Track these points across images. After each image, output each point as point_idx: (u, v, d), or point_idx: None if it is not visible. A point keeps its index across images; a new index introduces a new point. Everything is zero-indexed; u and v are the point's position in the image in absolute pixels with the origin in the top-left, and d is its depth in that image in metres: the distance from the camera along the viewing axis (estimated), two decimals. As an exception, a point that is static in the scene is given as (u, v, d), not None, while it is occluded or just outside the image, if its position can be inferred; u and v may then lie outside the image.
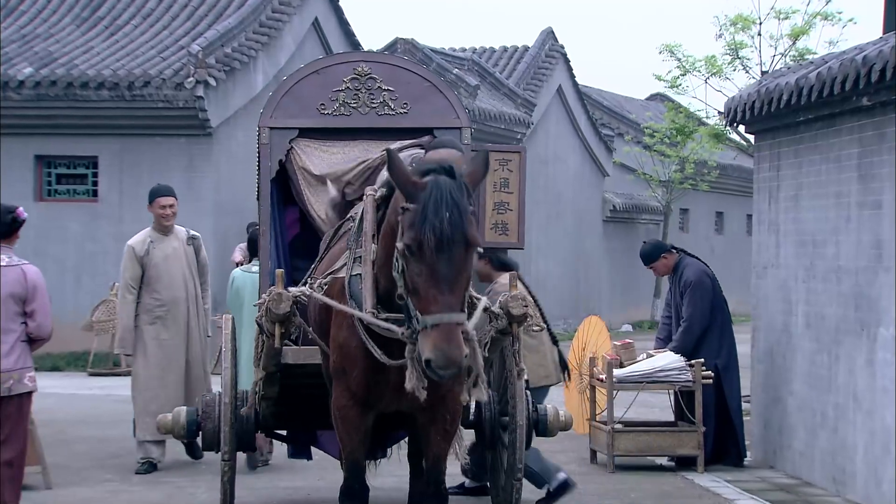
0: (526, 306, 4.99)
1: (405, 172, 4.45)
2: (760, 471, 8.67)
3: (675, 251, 9.09)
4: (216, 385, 6.92)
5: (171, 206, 8.54)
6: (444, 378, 4.32)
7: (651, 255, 9.08)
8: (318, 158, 6.38)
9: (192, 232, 8.75)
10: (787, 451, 8.58)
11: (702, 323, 8.68)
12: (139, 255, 8.39)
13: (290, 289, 5.19)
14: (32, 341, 6.16)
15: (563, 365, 7.20)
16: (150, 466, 8.22)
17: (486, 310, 4.89)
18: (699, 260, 9.07)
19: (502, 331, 5.05)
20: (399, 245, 4.39)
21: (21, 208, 6.27)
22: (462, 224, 4.30)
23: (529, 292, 7.28)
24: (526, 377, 7.08)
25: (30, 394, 6.17)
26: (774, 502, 7.49)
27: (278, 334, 5.10)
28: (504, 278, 7.12)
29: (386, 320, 4.64)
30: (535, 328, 5.17)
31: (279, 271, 5.24)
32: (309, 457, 7.50)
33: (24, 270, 6.14)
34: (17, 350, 6.07)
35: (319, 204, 6.33)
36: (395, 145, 5.73)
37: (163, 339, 8.39)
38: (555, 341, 7.03)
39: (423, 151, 5.66)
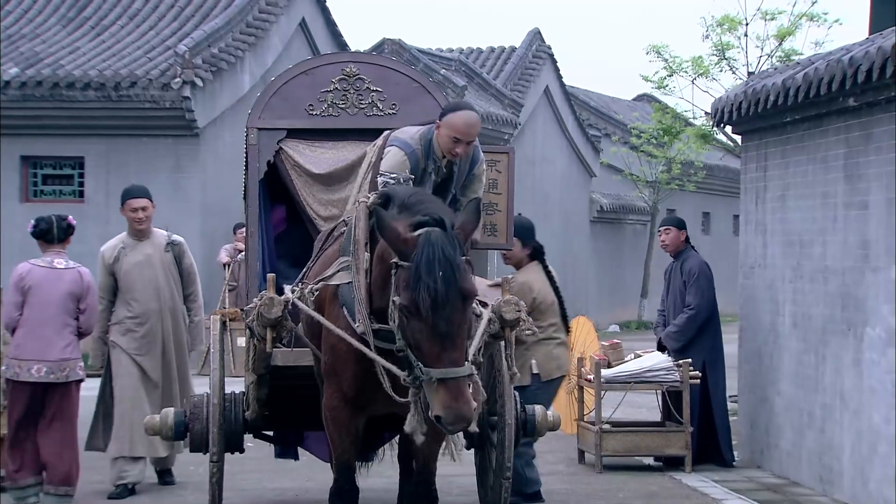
0: (519, 311, 5.00)
1: (395, 230, 4.43)
2: (748, 470, 8.69)
3: (688, 241, 9.17)
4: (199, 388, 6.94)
5: (143, 208, 7.72)
6: (451, 433, 4.39)
7: (680, 223, 9.24)
8: (315, 158, 6.38)
9: (175, 237, 7.93)
10: (774, 451, 8.61)
11: (707, 311, 8.75)
12: (108, 263, 7.68)
13: (287, 287, 5.18)
14: (80, 335, 7.31)
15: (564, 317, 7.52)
16: (124, 490, 7.51)
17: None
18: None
19: (495, 335, 5.06)
20: (396, 300, 4.39)
21: (70, 216, 7.50)
22: (456, 281, 4.29)
23: (552, 280, 7.44)
24: (536, 371, 7.23)
25: (79, 381, 7.29)
26: (762, 502, 7.51)
27: (269, 339, 5.10)
28: (530, 271, 7.34)
29: (379, 331, 4.63)
30: (528, 332, 5.16)
31: (271, 275, 5.23)
32: (296, 457, 7.49)
33: (80, 272, 7.31)
34: (72, 343, 7.23)
35: (318, 203, 6.32)
36: (411, 129, 5.76)
37: (135, 354, 7.61)
38: (560, 302, 7.40)
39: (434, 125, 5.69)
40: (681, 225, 9.15)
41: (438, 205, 4.75)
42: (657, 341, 9.14)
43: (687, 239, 9.13)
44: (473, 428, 4.40)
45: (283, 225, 6.90)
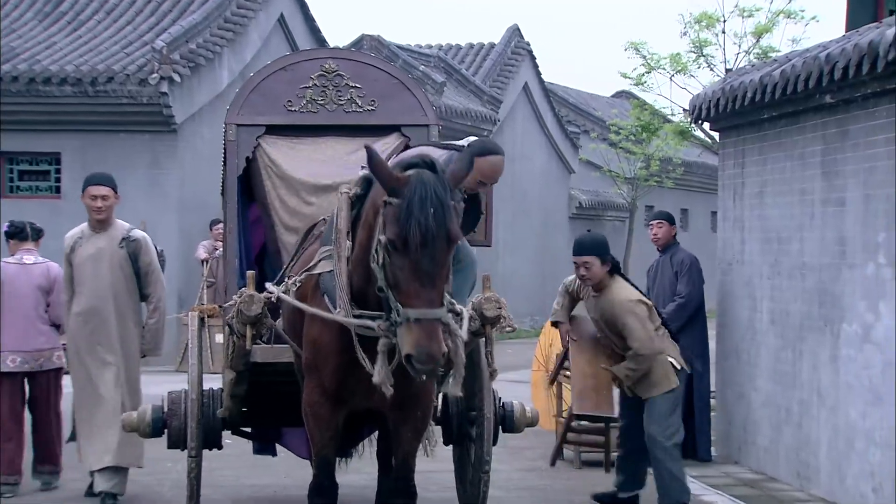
0: (500, 308, 5.01)
1: (386, 167, 4.46)
2: (725, 466, 8.73)
3: (675, 235, 9.26)
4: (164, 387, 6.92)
5: (103, 196, 7.15)
6: (421, 374, 4.32)
7: (671, 218, 9.25)
8: (292, 160, 6.33)
9: (135, 232, 7.29)
10: (751, 447, 8.65)
11: (696, 303, 8.81)
12: (66, 253, 7.27)
13: (267, 285, 5.16)
14: (56, 326, 7.56)
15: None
16: (108, 497, 7.12)
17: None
18: None
19: (475, 332, 5.06)
20: (382, 238, 4.39)
21: (7, 224, 7.89)
22: (446, 220, 4.31)
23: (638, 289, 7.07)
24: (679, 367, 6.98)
25: (59, 370, 7.59)
26: (739, 497, 7.54)
27: (249, 336, 5.09)
28: (623, 286, 6.91)
29: (359, 317, 4.63)
30: (508, 329, 5.16)
31: (250, 273, 5.21)
32: (274, 453, 7.48)
33: (49, 266, 7.66)
34: (47, 334, 7.56)
35: (284, 210, 6.29)
36: (436, 152, 5.67)
37: (83, 356, 7.17)
38: (674, 338, 7.10)
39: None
40: (671, 220, 9.19)
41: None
42: None
43: (675, 233, 9.18)
44: (438, 372, 4.43)
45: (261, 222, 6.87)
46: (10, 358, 7.45)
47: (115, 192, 7.25)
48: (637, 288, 7.10)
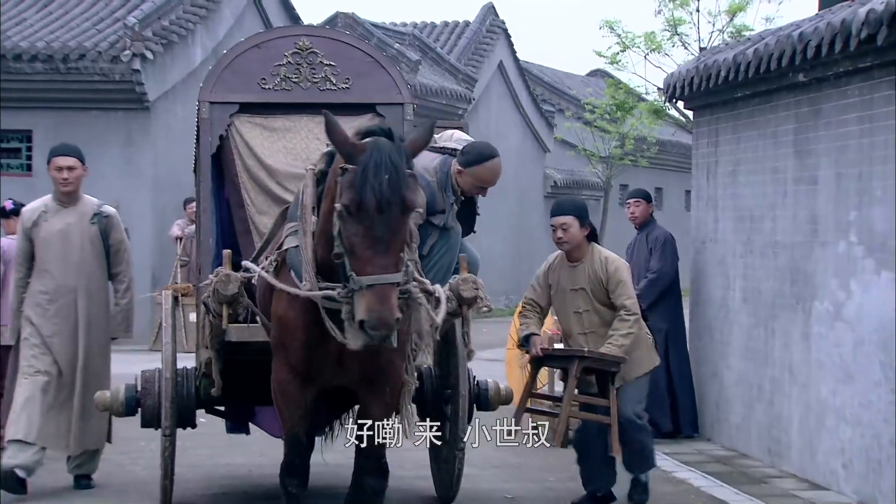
0: (476, 289, 5.02)
1: (344, 134, 4.49)
2: (698, 443, 8.80)
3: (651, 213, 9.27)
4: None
5: (69, 168, 6.79)
6: (376, 340, 4.35)
7: (648, 196, 9.25)
8: (268, 143, 6.30)
9: (106, 208, 6.96)
10: (724, 424, 8.71)
11: (668, 278, 8.86)
12: (26, 227, 6.83)
13: (246, 263, 5.16)
14: None
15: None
16: (12, 481, 6.58)
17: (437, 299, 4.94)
18: None
19: (452, 313, 5.07)
20: (337, 205, 4.42)
21: (8, 201, 8.03)
22: (400, 187, 4.35)
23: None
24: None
25: (8, 347, 7.23)
26: (712, 474, 7.60)
27: (225, 315, 5.09)
28: (604, 251, 6.41)
29: (325, 289, 4.64)
30: (485, 309, 5.18)
31: (227, 252, 5.20)
32: (247, 431, 7.48)
33: (1, 242, 7.74)
34: None
35: (255, 191, 6.27)
36: (429, 156, 5.62)
37: (46, 336, 6.78)
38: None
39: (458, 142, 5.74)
40: (649, 198, 9.23)
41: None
42: None
43: (652, 212, 9.22)
44: (393, 341, 4.40)
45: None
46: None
47: (83, 164, 6.92)
48: None
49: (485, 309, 5.12)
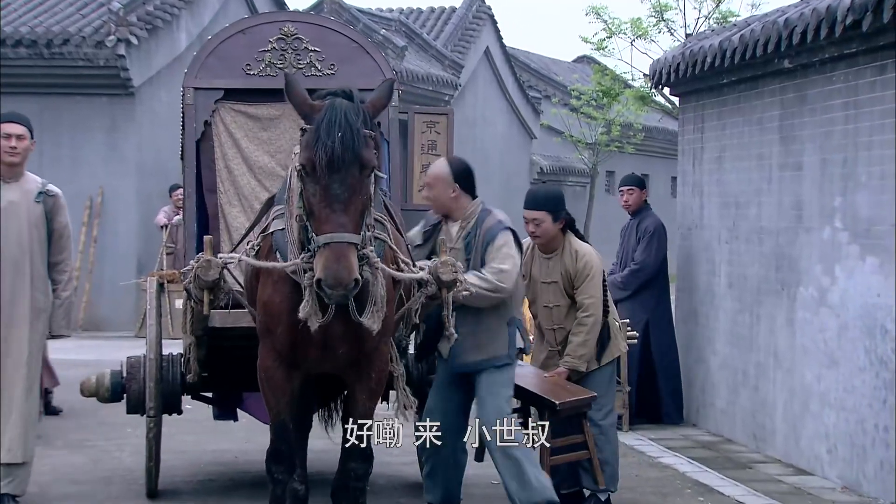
0: (455, 272, 5.01)
1: (303, 95, 4.51)
2: (683, 429, 8.83)
3: (646, 200, 9.20)
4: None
5: (18, 136, 6.07)
6: (332, 300, 4.35)
7: (642, 182, 9.23)
8: (249, 132, 6.29)
9: (51, 187, 6.14)
10: (709, 410, 8.74)
11: (652, 270, 8.87)
12: None
13: (222, 255, 5.16)
14: None
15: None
16: (9, 499, 5.98)
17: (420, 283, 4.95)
18: None
19: (432, 296, 5.07)
20: (297, 166, 4.43)
21: None
22: (355, 144, 4.35)
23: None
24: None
25: None
26: (697, 459, 7.63)
27: (207, 301, 5.08)
28: (582, 243, 6.09)
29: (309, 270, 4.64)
30: (465, 293, 5.14)
31: (207, 238, 5.19)
32: (235, 418, 7.47)
33: None
34: None
35: (230, 181, 6.27)
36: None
37: None
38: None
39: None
40: (642, 185, 9.22)
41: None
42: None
43: (645, 198, 9.21)
44: (356, 289, 4.35)
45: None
46: None
47: (32, 137, 6.19)
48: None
49: (465, 292, 5.11)
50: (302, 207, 4.45)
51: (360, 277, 4.34)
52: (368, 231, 4.52)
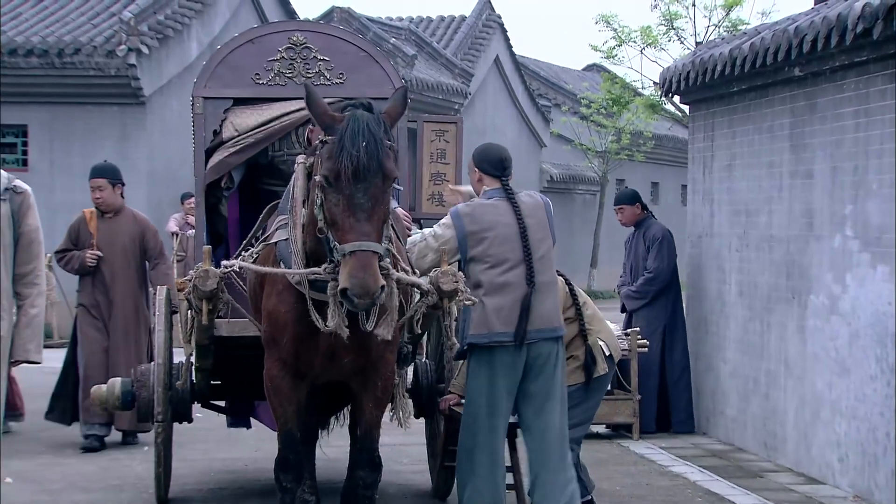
0: (456, 282, 5.01)
1: (324, 106, 4.52)
2: (694, 437, 8.80)
3: (645, 209, 9.18)
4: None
5: None
6: (358, 308, 4.35)
7: (632, 198, 9.14)
8: (254, 117, 6.32)
9: (17, 183, 5.06)
10: (720, 418, 8.72)
11: (666, 277, 8.91)
12: None
13: (225, 262, 5.16)
14: None
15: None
16: None
17: (422, 293, 4.95)
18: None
19: (434, 306, 5.08)
20: (317, 177, 4.44)
21: None
22: (379, 154, 4.37)
23: None
24: (609, 352, 5.96)
25: None
26: (708, 468, 7.61)
27: (206, 311, 5.10)
28: None
29: (314, 282, 4.65)
30: (468, 302, 5.13)
31: (206, 248, 5.21)
32: (248, 425, 7.48)
33: None
34: None
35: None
36: None
37: None
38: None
39: None
40: (632, 200, 9.19)
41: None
42: (620, 305, 9.29)
43: (644, 207, 9.20)
44: (382, 298, 4.35)
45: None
46: None
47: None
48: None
49: (467, 302, 5.10)
50: (323, 219, 4.44)
51: (384, 284, 4.35)
52: (386, 242, 4.54)
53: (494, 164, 5.45)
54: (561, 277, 5.76)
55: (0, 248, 4.95)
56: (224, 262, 5.19)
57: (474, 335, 5.24)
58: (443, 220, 5.36)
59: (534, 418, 5.33)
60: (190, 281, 5.17)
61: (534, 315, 5.23)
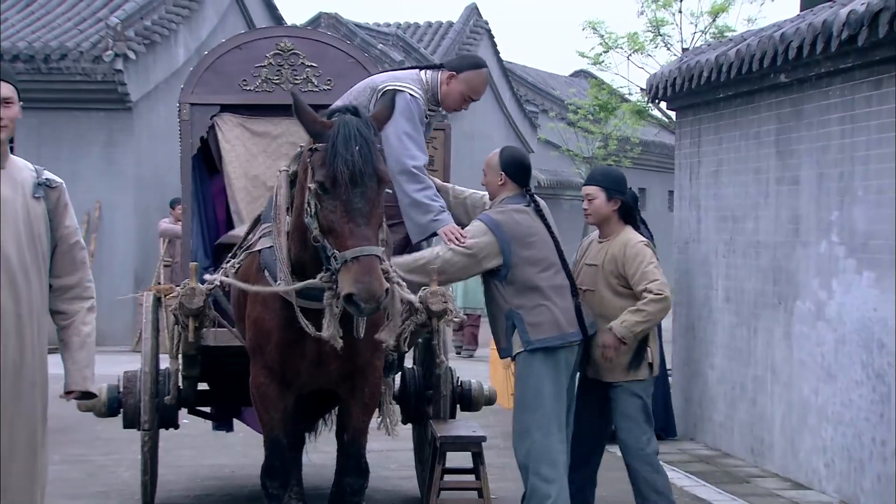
0: (445, 302, 5.02)
1: (312, 114, 4.49)
2: (681, 443, 8.82)
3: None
4: None
5: (6, 100, 4.23)
6: (364, 313, 4.30)
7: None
8: (248, 146, 6.31)
9: (50, 175, 4.21)
10: (707, 424, 8.74)
11: None
12: None
13: (207, 276, 5.16)
14: None
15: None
16: None
17: (410, 306, 4.95)
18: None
19: (422, 324, 5.08)
20: (311, 185, 4.39)
21: None
22: (373, 157, 4.35)
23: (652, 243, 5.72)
24: (651, 360, 5.60)
25: None
26: (695, 474, 7.62)
27: (192, 328, 5.09)
28: (627, 236, 5.58)
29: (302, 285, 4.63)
30: (456, 319, 5.15)
31: (193, 265, 5.20)
32: (230, 428, 7.47)
33: None
34: None
35: (241, 191, 6.29)
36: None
37: None
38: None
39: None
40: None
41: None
42: None
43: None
44: (386, 302, 4.32)
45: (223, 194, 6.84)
46: None
47: (19, 98, 4.37)
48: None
49: (456, 319, 5.12)
50: (318, 227, 4.38)
51: (388, 287, 4.32)
52: (383, 246, 4.53)
53: (523, 173, 5.55)
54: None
55: (39, 258, 4.04)
56: (207, 277, 5.19)
57: (547, 338, 5.27)
58: (472, 230, 5.30)
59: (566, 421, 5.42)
60: (175, 294, 5.17)
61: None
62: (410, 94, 5.36)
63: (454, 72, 5.60)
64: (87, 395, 4.24)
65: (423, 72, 5.63)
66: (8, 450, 3.95)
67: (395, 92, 5.24)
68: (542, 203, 5.52)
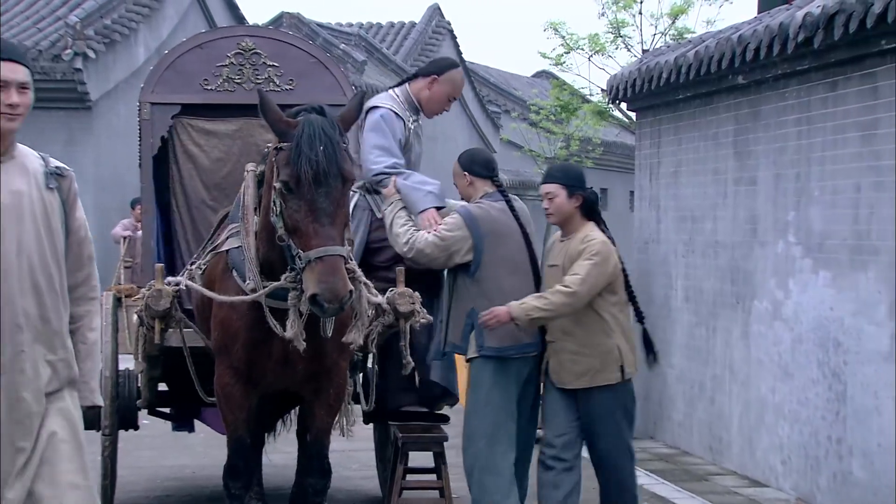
0: (413, 303, 5.03)
1: (277, 111, 4.48)
2: (641, 441, 8.86)
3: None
4: None
5: (21, 85, 3.63)
6: (328, 314, 4.28)
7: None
8: (205, 148, 6.29)
9: (58, 164, 3.90)
10: (666, 422, 8.80)
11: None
12: None
13: (170, 278, 5.15)
14: None
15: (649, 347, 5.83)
16: None
17: (378, 307, 4.96)
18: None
19: (389, 325, 5.09)
20: (276, 185, 4.39)
21: None
22: (337, 157, 4.34)
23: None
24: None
25: None
26: (654, 472, 7.68)
27: (158, 329, 5.07)
28: (586, 233, 5.36)
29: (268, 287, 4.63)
30: (423, 321, 5.16)
31: (159, 266, 5.17)
32: (192, 429, 7.44)
33: None
34: None
35: (185, 201, 6.27)
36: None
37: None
38: (640, 318, 5.58)
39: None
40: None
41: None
42: None
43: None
44: (351, 302, 4.28)
45: None
46: None
47: (32, 84, 3.74)
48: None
49: (423, 320, 5.13)
50: (283, 227, 4.37)
51: (353, 288, 4.32)
52: (348, 245, 4.53)
53: (484, 165, 5.58)
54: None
55: (58, 255, 3.69)
56: (170, 279, 5.17)
57: (502, 347, 5.23)
58: (450, 222, 5.34)
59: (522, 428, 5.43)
60: (140, 295, 5.15)
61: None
62: (382, 109, 5.66)
63: (435, 75, 5.68)
64: (93, 409, 3.91)
65: (391, 90, 5.90)
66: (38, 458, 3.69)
67: (369, 108, 5.58)
68: (518, 204, 5.53)
